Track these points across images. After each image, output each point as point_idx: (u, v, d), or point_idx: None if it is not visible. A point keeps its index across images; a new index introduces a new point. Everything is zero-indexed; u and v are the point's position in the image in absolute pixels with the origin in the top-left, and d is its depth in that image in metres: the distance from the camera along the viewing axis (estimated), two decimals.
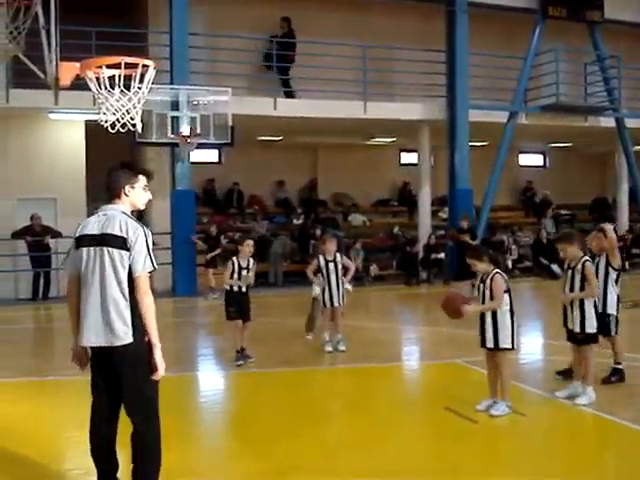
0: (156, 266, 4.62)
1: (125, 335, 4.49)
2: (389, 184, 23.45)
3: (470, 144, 19.29)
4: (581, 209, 24.86)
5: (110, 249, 4.51)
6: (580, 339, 7.21)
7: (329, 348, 9.71)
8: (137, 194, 4.74)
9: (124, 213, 4.64)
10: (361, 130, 20.31)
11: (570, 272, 7.22)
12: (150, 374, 4.53)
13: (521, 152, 25.46)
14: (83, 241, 4.63)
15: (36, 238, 16.28)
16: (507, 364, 6.90)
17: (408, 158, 23.30)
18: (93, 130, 14.20)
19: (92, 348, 4.63)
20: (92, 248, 4.57)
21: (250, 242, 9.19)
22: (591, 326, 7.14)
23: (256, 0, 18.67)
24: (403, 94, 18.84)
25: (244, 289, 9.17)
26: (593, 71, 21.44)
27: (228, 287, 9.19)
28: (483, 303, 6.77)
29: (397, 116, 18.59)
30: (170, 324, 12.29)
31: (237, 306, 9.11)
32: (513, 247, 20.27)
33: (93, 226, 4.63)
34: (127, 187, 4.69)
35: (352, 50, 18.53)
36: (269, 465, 5.61)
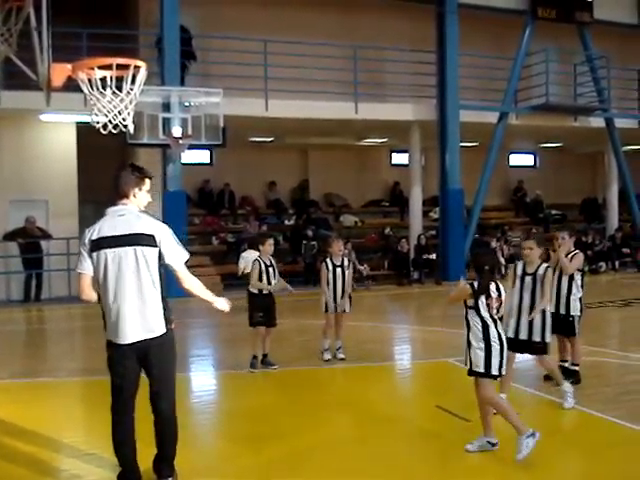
0: (188, 254, 4.95)
1: (160, 328, 4.80)
2: (380, 185, 23.49)
3: (461, 144, 19.36)
4: (571, 209, 24.99)
5: (142, 247, 4.73)
6: (539, 349, 6.95)
7: (328, 356, 9.38)
8: (143, 197, 4.97)
9: (141, 212, 4.90)
10: (352, 131, 20.35)
11: (530, 278, 6.91)
12: (174, 362, 4.96)
13: (512, 152, 25.55)
14: (107, 243, 4.74)
15: (28, 240, 16.26)
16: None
17: (399, 159, 23.36)
18: (84, 131, 14.21)
19: (124, 344, 4.76)
20: (120, 248, 4.72)
21: (271, 241, 9.02)
22: (549, 335, 6.99)
23: (248, 1, 18.70)
24: (394, 95, 18.90)
25: (271, 291, 8.92)
26: (583, 71, 21.56)
27: (256, 290, 8.88)
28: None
29: (388, 117, 18.66)
30: None
31: (265, 311, 8.84)
32: (504, 247, 20.32)
33: (117, 227, 4.76)
34: (136, 189, 4.90)
35: (343, 51, 18.58)
36: (263, 465, 5.64)
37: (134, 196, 4.90)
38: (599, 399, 7.22)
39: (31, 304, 16.08)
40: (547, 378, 7.99)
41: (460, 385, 7.95)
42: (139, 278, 4.73)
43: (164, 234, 4.83)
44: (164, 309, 4.84)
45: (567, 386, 7.00)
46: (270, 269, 8.89)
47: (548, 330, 6.92)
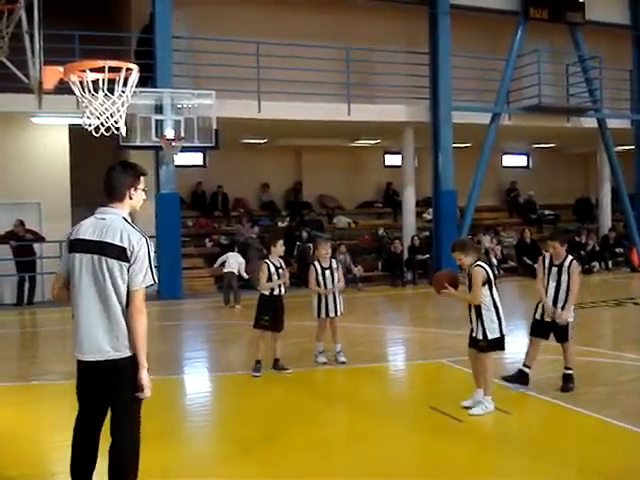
0: (156, 280, 4.37)
1: (125, 349, 4.25)
2: (374, 186, 23.50)
3: (454, 145, 19.38)
4: (564, 209, 25.05)
5: (109, 259, 4.22)
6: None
7: (323, 359, 9.26)
8: (138, 196, 4.51)
9: (125, 220, 4.36)
10: (345, 132, 20.34)
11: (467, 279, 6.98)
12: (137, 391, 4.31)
13: (505, 153, 25.62)
14: (77, 246, 4.32)
15: (21, 243, 16.21)
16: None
17: (392, 160, 23.36)
18: (77, 134, 14.17)
19: (85, 361, 4.31)
20: (89, 255, 4.27)
21: (281, 242, 8.93)
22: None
23: (240, 2, 18.69)
24: (387, 96, 18.89)
25: (282, 292, 8.82)
26: (575, 72, 21.59)
27: (267, 292, 8.76)
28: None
29: (381, 118, 18.65)
30: (156, 327, 12.27)
31: (272, 314, 8.72)
32: (497, 247, 20.40)
33: (90, 230, 4.32)
34: (131, 189, 4.45)
35: (336, 52, 18.57)
36: (257, 467, 5.63)
37: (130, 197, 4.44)
38: (593, 399, 7.23)
39: (24, 307, 16.04)
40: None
41: (453, 386, 7.97)
42: (103, 292, 4.22)
43: (140, 249, 4.26)
44: (129, 329, 4.24)
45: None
46: (280, 270, 8.81)
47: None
